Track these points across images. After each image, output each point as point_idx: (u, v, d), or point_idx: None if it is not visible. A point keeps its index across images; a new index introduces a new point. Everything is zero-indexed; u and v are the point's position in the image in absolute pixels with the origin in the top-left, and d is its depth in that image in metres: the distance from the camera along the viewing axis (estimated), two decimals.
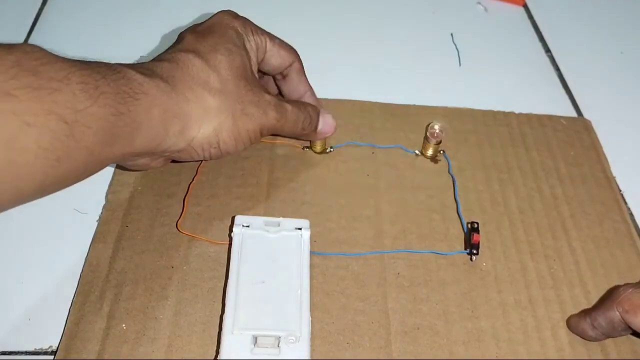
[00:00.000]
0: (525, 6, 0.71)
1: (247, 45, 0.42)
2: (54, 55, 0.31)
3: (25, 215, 0.44)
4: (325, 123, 0.47)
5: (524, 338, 0.40)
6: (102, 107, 0.32)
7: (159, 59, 0.39)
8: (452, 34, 0.66)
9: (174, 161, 0.44)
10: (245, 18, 0.43)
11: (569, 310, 0.41)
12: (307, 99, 0.47)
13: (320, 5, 0.68)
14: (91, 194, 0.45)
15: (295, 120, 0.43)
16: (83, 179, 0.34)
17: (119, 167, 0.47)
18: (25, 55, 0.30)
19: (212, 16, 0.43)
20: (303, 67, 0.47)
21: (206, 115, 0.39)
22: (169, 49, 0.41)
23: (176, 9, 0.64)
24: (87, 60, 0.34)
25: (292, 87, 0.47)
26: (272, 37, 0.44)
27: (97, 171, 0.35)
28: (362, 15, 0.67)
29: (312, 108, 0.46)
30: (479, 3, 0.71)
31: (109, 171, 0.47)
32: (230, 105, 0.39)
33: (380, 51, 0.63)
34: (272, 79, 0.48)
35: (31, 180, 0.30)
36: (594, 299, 0.42)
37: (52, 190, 0.33)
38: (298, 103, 0.45)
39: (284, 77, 0.47)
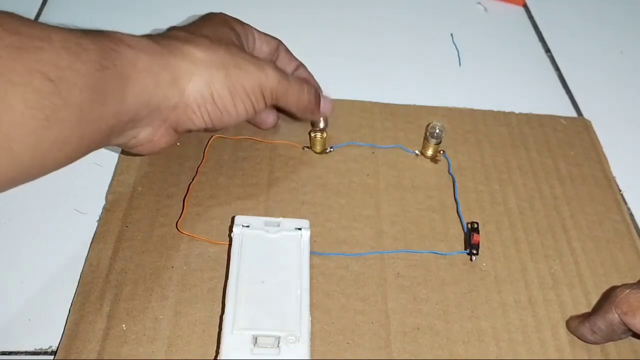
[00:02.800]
0: (525, 6, 0.71)
1: (235, 29, 0.43)
2: (32, 20, 0.32)
3: (25, 215, 0.44)
4: (325, 101, 0.46)
5: (524, 338, 0.40)
6: (85, 63, 0.32)
7: None
8: (452, 34, 0.66)
9: (189, 131, 0.42)
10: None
11: (569, 311, 0.41)
12: (302, 73, 0.48)
13: (319, 5, 0.68)
14: (91, 194, 0.45)
15: (300, 88, 0.43)
16: (85, 148, 0.34)
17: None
18: (7, 17, 0.30)
19: None
20: (287, 47, 0.48)
21: (195, 67, 0.37)
22: None
23: (176, 10, 0.64)
24: None
25: (284, 66, 0.47)
26: (256, 29, 0.46)
27: (97, 140, 0.34)
28: (362, 15, 0.67)
29: (312, 83, 0.46)
30: (479, 3, 0.71)
31: (108, 171, 0.47)
32: (221, 58, 0.38)
33: (380, 51, 0.63)
34: None
35: (24, 142, 0.30)
36: (594, 299, 0.42)
37: (54, 160, 0.32)
38: (298, 77, 0.45)
39: (275, 60, 0.47)
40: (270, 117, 0.49)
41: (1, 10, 0.31)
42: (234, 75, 0.39)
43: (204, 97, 0.38)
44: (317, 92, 0.45)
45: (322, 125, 0.49)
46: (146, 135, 0.39)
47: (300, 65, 0.49)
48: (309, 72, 0.49)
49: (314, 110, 0.45)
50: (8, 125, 0.29)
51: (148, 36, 0.38)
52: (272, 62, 0.42)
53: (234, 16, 0.44)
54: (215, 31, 0.40)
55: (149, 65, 0.35)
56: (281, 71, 0.41)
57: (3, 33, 0.29)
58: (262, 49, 0.45)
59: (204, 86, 0.38)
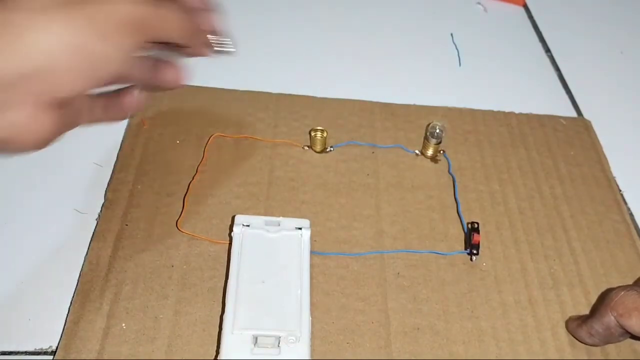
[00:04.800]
0: (525, 6, 0.71)
1: None
2: None
3: (25, 215, 0.44)
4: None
5: (524, 338, 0.40)
6: None
7: None
8: (452, 34, 0.66)
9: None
10: None
11: (569, 311, 0.41)
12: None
13: (320, 6, 0.68)
14: (91, 195, 0.45)
15: (172, 15, 0.30)
16: None
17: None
18: None
19: None
20: None
21: (38, 14, 0.27)
22: None
23: None
24: None
25: None
26: None
27: None
28: (362, 15, 0.67)
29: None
30: (479, 3, 0.71)
31: (108, 170, 0.46)
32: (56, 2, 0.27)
33: (381, 51, 0.63)
34: None
35: None
36: (594, 299, 0.42)
37: None
38: None
39: None
40: (168, 71, 0.34)
41: None
42: (88, 13, 0.28)
43: (60, 49, 0.27)
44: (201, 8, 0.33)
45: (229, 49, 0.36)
46: (12, 121, 0.28)
47: None
48: None
49: (199, 33, 0.33)
50: None
51: None
52: None
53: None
54: None
55: None
56: None
57: None
58: None
59: (54, 36, 0.27)
